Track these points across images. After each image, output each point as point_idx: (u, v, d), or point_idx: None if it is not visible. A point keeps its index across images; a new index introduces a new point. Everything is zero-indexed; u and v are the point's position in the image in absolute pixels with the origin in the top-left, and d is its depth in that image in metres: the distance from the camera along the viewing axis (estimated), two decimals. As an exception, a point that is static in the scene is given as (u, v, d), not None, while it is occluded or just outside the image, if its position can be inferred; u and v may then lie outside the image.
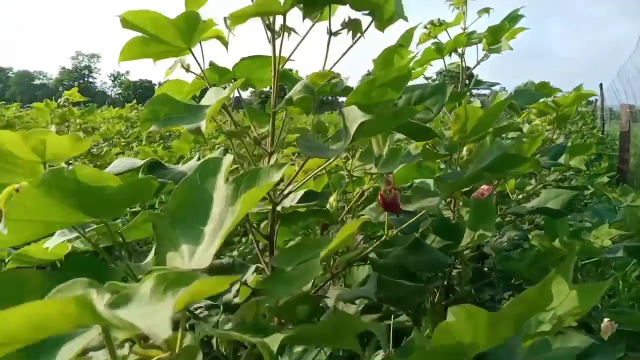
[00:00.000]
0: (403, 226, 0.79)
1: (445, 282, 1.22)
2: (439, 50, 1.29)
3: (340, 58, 0.68)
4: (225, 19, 0.59)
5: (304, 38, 0.74)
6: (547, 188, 2.03)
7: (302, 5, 0.61)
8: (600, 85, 7.74)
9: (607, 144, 6.38)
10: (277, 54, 0.69)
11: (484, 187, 1.19)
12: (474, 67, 1.35)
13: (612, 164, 4.83)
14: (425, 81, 1.60)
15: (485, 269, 1.31)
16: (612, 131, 7.45)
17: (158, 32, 0.61)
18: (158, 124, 0.50)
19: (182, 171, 0.60)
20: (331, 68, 0.72)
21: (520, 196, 1.60)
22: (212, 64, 0.83)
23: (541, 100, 1.13)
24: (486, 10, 1.34)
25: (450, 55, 1.33)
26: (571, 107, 1.14)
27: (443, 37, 1.38)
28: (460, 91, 1.32)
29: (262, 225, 0.91)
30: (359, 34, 0.67)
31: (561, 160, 1.37)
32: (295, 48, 0.74)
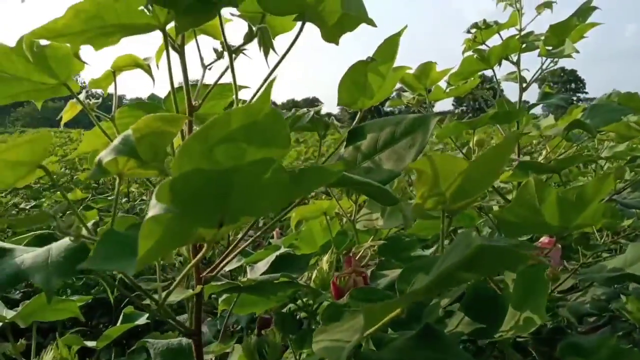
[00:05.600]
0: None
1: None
2: (483, 59, 1.01)
3: (256, 92, 0.47)
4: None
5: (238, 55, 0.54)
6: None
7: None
8: None
9: None
10: (181, 85, 0.50)
11: (544, 239, 0.88)
12: (533, 79, 1.05)
13: None
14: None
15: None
16: None
17: None
18: None
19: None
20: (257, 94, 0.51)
21: (613, 238, 1.23)
22: (140, 101, 0.66)
23: (624, 119, 0.81)
24: (547, 4, 1.04)
25: (499, 64, 1.05)
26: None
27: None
28: (515, 109, 1.03)
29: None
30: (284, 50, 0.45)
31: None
32: (222, 74, 0.54)
